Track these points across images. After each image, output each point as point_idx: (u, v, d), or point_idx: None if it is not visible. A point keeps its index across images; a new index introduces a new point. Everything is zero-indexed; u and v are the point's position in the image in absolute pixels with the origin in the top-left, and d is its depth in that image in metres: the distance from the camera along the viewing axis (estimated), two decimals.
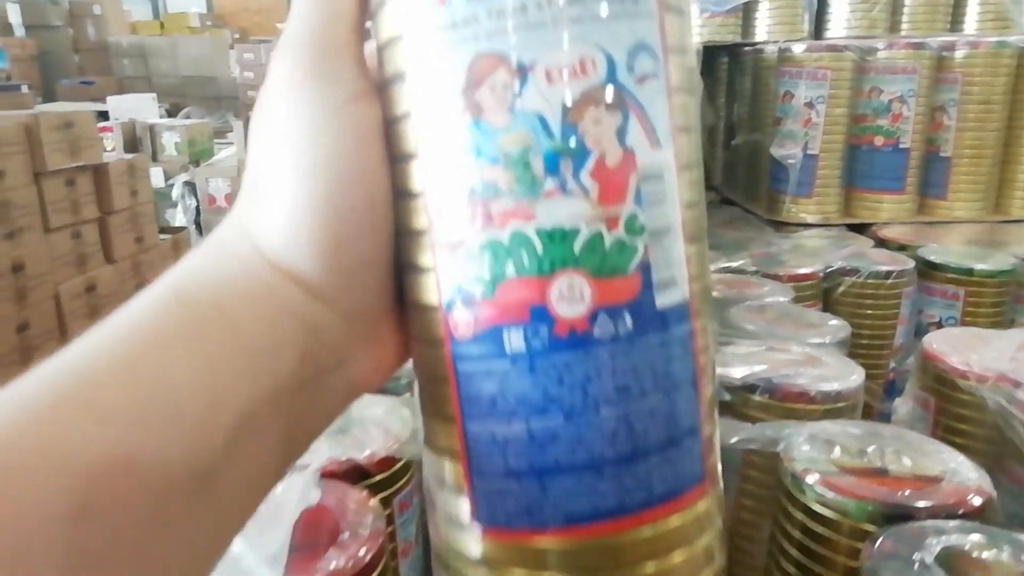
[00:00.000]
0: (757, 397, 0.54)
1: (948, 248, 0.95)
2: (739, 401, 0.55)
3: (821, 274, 0.87)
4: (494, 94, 0.20)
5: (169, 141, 3.92)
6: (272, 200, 0.22)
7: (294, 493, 0.35)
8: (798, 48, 1.09)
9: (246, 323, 0.21)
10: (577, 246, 0.20)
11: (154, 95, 4.81)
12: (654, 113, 0.20)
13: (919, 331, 0.93)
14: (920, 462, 0.43)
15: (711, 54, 1.31)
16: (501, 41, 0.19)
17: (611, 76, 0.20)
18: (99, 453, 0.17)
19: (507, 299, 0.20)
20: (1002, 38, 1.09)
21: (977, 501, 0.40)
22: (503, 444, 0.21)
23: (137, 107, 4.39)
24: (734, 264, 0.87)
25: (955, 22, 1.24)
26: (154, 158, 3.80)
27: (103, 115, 4.24)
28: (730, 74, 1.38)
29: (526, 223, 0.20)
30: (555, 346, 0.20)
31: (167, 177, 3.65)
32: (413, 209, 0.22)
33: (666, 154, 0.21)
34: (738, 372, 0.55)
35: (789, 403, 0.54)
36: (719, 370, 0.56)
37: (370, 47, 0.23)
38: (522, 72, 0.19)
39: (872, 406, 0.85)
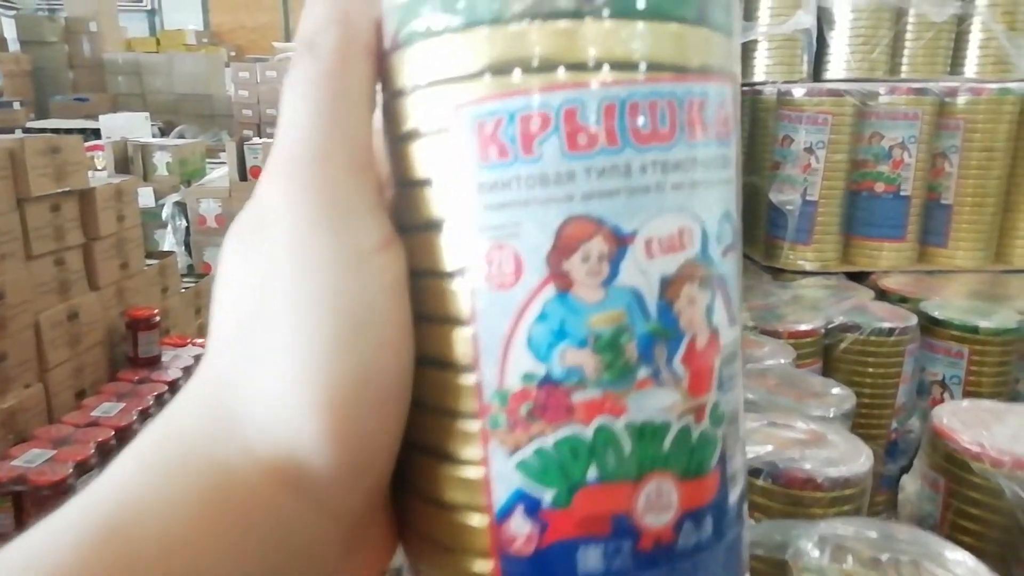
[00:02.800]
0: (760, 482, 0.51)
1: (951, 303, 0.92)
2: None
3: (822, 330, 0.84)
4: (587, 266, 0.17)
5: (161, 161, 3.89)
6: (274, 375, 0.17)
7: None
8: (798, 92, 1.07)
9: (196, 540, 0.16)
10: (667, 444, 0.17)
11: (147, 114, 4.79)
12: (733, 287, 0.19)
13: (921, 389, 0.90)
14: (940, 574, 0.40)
15: None
16: (600, 205, 0.17)
17: (704, 249, 0.18)
18: None
19: (586, 509, 0.17)
20: (1005, 84, 1.07)
21: None
22: None
23: (129, 126, 4.37)
24: None
25: (955, 65, 1.22)
26: (145, 178, 3.77)
27: (96, 133, 4.22)
28: None
29: (615, 418, 0.17)
30: (638, 564, 0.17)
31: (158, 197, 3.62)
32: (455, 387, 0.18)
33: (738, 330, 0.19)
34: None
35: (795, 490, 0.50)
36: None
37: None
38: (621, 242, 0.17)
39: (876, 471, 0.82)
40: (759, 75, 1.20)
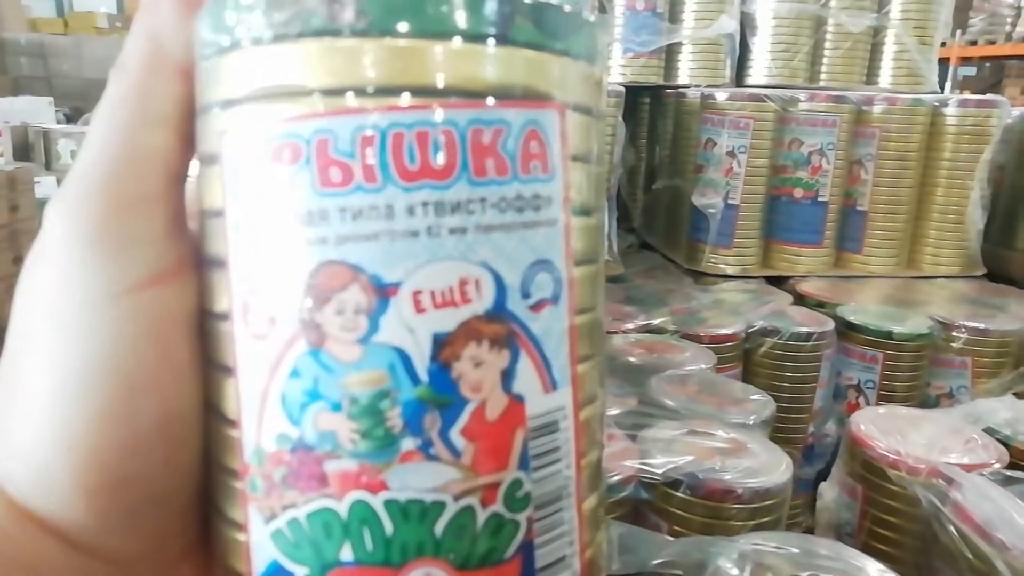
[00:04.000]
0: (680, 494, 0.49)
1: (866, 308, 0.93)
2: (659, 497, 0.50)
3: (742, 335, 0.83)
4: (342, 319, 0.15)
5: (65, 148, 3.66)
6: (22, 416, 0.16)
7: None
8: (721, 96, 1.07)
9: None
10: (440, 527, 0.15)
11: (51, 99, 4.52)
12: (551, 347, 0.16)
13: (837, 393, 0.91)
14: None
15: (633, 95, 1.28)
16: (357, 250, 0.14)
17: (499, 304, 0.15)
18: None
19: None
20: (917, 95, 1.10)
21: None
22: None
23: (31, 110, 4.10)
24: (654, 322, 0.83)
25: (871, 75, 1.25)
26: (48, 166, 3.55)
27: None
28: (652, 116, 1.36)
29: (373, 494, 0.15)
30: None
31: None
32: (226, 441, 0.16)
33: (563, 397, 0.16)
34: (659, 463, 0.50)
35: (714, 501, 0.49)
36: (637, 462, 0.51)
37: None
38: (382, 293, 0.15)
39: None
40: (683, 78, 1.20)
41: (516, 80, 0.15)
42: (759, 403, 0.63)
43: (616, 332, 0.80)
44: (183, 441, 0.16)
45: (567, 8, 0.16)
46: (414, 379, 0.15)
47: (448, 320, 0.15)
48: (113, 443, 0.15)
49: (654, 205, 1.31)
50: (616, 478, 0.49)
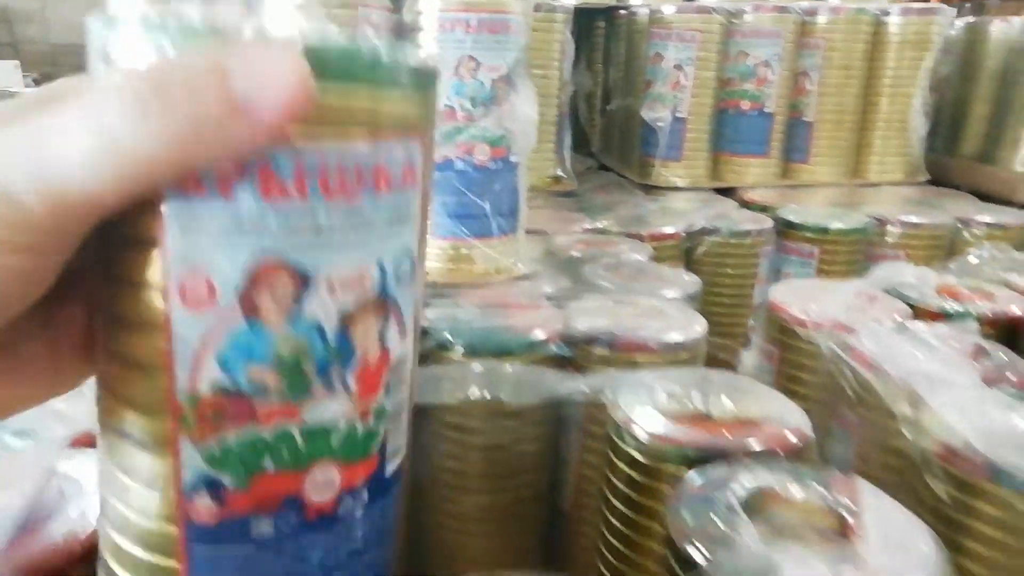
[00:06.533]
0: (597, 350, 0.53)
1: (807, 208, 0.97)
2: (580, 355, 0.53)
3: (683, 234, 0.87)
4: (274, 298, 0.19)
5: None
6: None
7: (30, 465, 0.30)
8: (668, 9, 1.08)
9: None
10: (335, 440, 0.21)
11: (17, 62, 4.44)
12: (406, 309, 0.22)
13: None
14: (744, 406, 0.42)
15: (588, 17, 1.30)
16: (287, 246, 0.19)
17: (383, 287, 0.21)
18: None
19: (261, 491, 0.21)
20: (861, 5, 1.12)
21: (794, 440, 0.39)
22: None
23: None
24: (598, 225, 0.86)
25: None
26: None
27: None
28: (606, 39, 1.37)
29: (291, 422, 0.20)
30: (302, 529, 0.21)
31: None
32: (149, 386, 0.20)
33: (409, 344, 0.23)
34: (581, 325, 0.54)
35: (629, 354, 0.52)
36: (560, 325, 0.54)
37: None
38: (305, 280, 0.19)
39: (732, 364, 0.85)
40: None
41: (404, 119, 0.21)
42: (687, 282, 0.67)
43: (561, 235, 0.83)
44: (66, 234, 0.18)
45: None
46: (325, 343, 0.20)
47: (350, 300, 0.20)
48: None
49: (609, 127, 1.33)
50: (540, 337, 0.52)
